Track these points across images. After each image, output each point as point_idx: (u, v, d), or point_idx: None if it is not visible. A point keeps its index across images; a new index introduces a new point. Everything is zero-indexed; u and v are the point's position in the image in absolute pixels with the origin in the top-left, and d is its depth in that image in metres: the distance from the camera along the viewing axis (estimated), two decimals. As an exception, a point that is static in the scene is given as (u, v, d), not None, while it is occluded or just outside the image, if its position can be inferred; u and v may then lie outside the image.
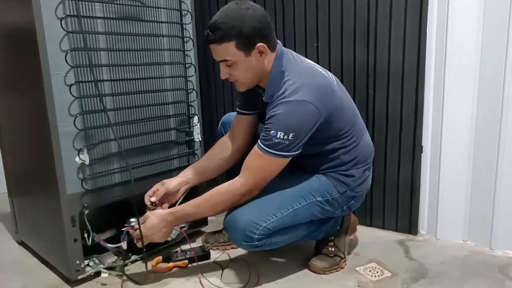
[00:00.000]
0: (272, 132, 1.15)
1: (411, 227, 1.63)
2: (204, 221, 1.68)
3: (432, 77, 1.52)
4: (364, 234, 1.65)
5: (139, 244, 1.25)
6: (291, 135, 1.14)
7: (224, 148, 1.42)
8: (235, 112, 1.48)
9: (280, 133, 1.15)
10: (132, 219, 1.33)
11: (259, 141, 1.20)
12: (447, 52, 1.46)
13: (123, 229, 1.29)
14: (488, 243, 1.50)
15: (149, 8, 1.39)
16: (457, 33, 1.44)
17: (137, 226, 1.24)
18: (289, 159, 1.20)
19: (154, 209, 1.31)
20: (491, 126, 1.44)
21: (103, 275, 1.35)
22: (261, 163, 1.20)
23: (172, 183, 1.37)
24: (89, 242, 1.32)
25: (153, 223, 1.24)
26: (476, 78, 1.45)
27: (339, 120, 1.24)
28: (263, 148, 1.18)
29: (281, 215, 1.24)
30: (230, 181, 1.24)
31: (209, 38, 1.16)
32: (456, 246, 1.54)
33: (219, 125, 1.57)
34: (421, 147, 1.57)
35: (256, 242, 1.22)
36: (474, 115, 1.47)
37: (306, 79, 1.19)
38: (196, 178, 1.41)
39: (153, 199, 1.33)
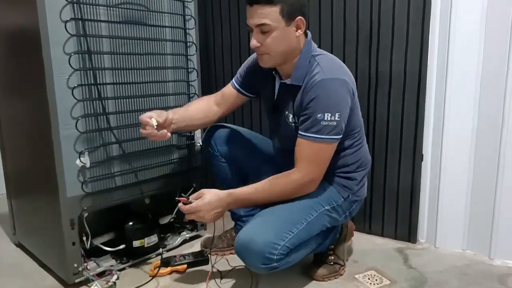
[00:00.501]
0: (319, 115, 1.13)
1: (410, 235, 1.63)
2: (202, 226, 1.68)
3: (434, 85, 1.53)
4: (363, 241, 1.65)
5: (188, 216, 1.20)
6: (337, 115, 1.13)
7: (209, 107, 1.41)
8: (228, 129, 1.47)
9: (327, 115, 1.13)
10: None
11: (301, 132, 1.17)
12: (448, 61, 1.47)
13: (176, 198, 1.23)
14: (487, 252, 1.50)
15: (153, 13, 1.40)
16: (459, 41, 1.45)
17: (190, 199, 1.19)
18: (337, 143, 1.18)
19: (155, 131, 1.21)
20: (492, 135, 1.44)
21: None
22: (313, 151, 1.16)
23: (165, 113, 1.28)
24: (88, 245, 1.32)
25: (210, 199, 1.17)
26: (477, 87, 1.45)
27: (355, 117, 1.26)
28: (311, 136, 1.15)
29: (297, 230, 1.19)
30: (286, 172, 1.19)
31: None
32: (455, 255, 1.54)
33: (210, 140, 1.48)
34: (422, 155, 1.57)
35: (275, 264, 1.14)
36: (475, 124, 1.48)
37: (338, 66, 1.22)
38: (182, 123, 1.34)
39: (158, 119, 1.21)
